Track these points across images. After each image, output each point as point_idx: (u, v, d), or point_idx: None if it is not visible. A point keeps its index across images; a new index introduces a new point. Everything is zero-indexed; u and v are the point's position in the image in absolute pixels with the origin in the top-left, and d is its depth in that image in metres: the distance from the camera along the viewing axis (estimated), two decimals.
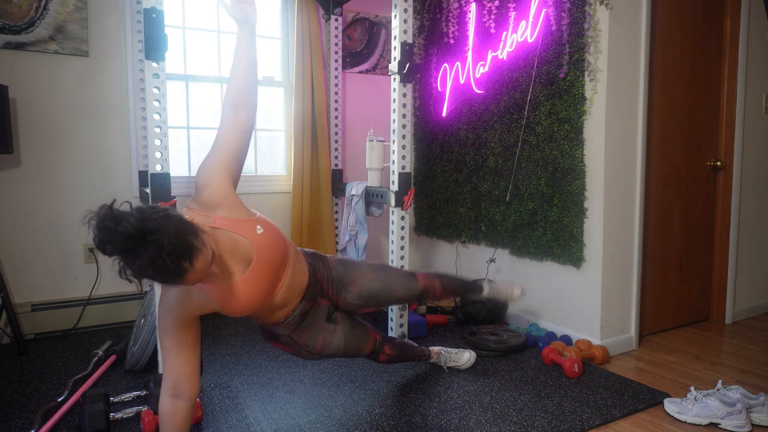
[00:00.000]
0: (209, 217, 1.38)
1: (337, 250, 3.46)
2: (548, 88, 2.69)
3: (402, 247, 2.58)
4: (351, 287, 1.82)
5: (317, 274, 1.76)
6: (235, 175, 1.47)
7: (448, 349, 2.38)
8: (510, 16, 2.88)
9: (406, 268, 2.60)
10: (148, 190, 2.14)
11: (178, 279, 1.16)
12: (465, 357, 2.36)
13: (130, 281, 1.14)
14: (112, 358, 2.38)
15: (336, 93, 3.47)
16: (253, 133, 3.44)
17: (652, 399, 2.07)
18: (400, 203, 2.54)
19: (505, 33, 2.91)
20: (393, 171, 2.56)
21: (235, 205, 1.43)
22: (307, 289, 1.69)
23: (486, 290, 2.28)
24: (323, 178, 3.41)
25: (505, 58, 2.94)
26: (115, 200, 1.19)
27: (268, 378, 2.28)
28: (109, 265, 2.97)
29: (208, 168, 1.43)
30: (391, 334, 2.63)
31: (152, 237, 1.09)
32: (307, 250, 1.82)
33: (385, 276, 1.88)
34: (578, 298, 2.64)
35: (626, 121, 2.54)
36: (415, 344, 2.25)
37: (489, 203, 3.12)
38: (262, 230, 1.45)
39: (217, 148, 1.46)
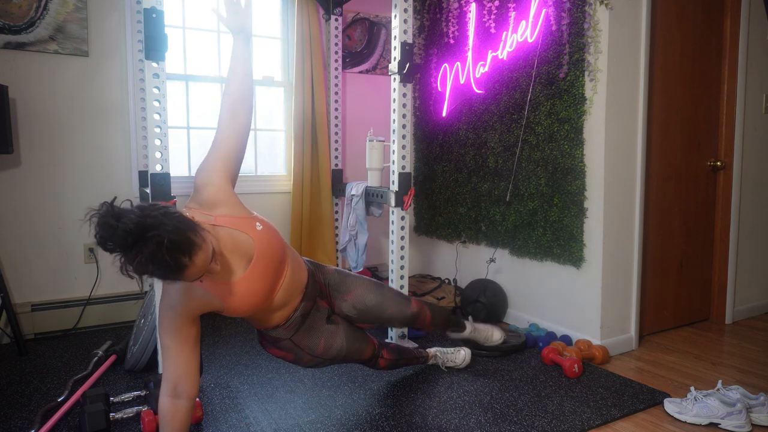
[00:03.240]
0: (209, 215, 1.40)
1: (337, 251, 3.46)
2: (548, 88, 2.69)
3: (402, 247, 2.58)
4: (346, 296, 1.84)
5: (315, 275, 1.77)
6: (233, 175, 1.51)
7: (444, 349, 2.39)
8: (510, 16, 2.88)
9: (406, 267, 2.60)
10: (148, 190, 2.14)
11: (178, 275, 1.18)
12: (461, 355, 2.36)
13: (132, 277, 1.16)
14: (112, 358, 2.38)
15: (336, 93, 3.47)
16: (253, 133, 3.45)
17: (652, 399, 2.07)
18: (400, 203, 2.54)
19: (505, 33, 2.91)
20: (393, 171, 2.56)
21: (234, 203, 1.46)
22: (306, 288, 1.69)
23: (468, 330, 2.34)
24: (323, 178, 3.41)
25: (505, 58, 2.94)
26: (115, 197, 1.22)
27: (268, 378, 2.28)
28: (109, 264, 2.97)
29: (207, 168, 1.46)
30: (391, 334, 2.63)
31: (152, 233, 1.11)
32: (304, 258, 1.83)
33: (380, 292, 1.91)
34: (578, 298, 2.64)
35: (626, 121, 2.54)
36: (412, 347, 2.25)
37: (489, 203, 3.12)
38: (261, 227, 1.47)
39: (216, 149, 1.49)
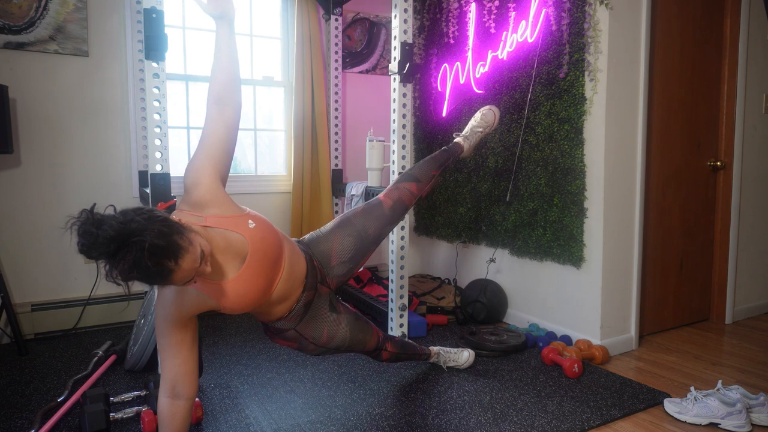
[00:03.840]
0: (200, 216, 1.36)
1: None
2: (548, 88, 2.69)
3: (402, 247, 2.58)
4: (332, 262, 1.77)
5: (313, 260, 1.73)
6: (223, 173, 1.45)
7: (447, 348, 2.38)
8: (510, 16, 2.88)
9: (406, 267, 2.60)
10: (148, 190, 2.14)
11: (165, 279, 1.15)
12: (464, 356, 2.36)
13: (118, 284, 1.13)
14: (112, 358, 2.38)
15: (336, 93, 3.47)
16: (253, 133, 3.45)
17: (652, 399, 2.07)
18: None
19: (505, 33, 2.91)
20: (393, 171, 2.56)
21: (225, 202, 1.41)
22: (307, 278, 1.67)
23: (465, 145, 2.19)
24: (323, 178, 3.41)
25: (505, 58, 2.94)
26: (95, 204, 1.17)
27: (268, 378, 2.28)
28: None
29: (196, 167, 1.40)
30: (391, 334, 2.63)
31: (135, 238, 1.08)
32: (296, 240, 1.79)
33: (350, 228, 1.81)
34: (578, 298, 2.64)
35: (626, 121, 2.54)
36: (416, 344, 2.25)
37: (489, 203, 3.12)
38: (254, 224, 1.43)
39: (204, 146, 1.42)
